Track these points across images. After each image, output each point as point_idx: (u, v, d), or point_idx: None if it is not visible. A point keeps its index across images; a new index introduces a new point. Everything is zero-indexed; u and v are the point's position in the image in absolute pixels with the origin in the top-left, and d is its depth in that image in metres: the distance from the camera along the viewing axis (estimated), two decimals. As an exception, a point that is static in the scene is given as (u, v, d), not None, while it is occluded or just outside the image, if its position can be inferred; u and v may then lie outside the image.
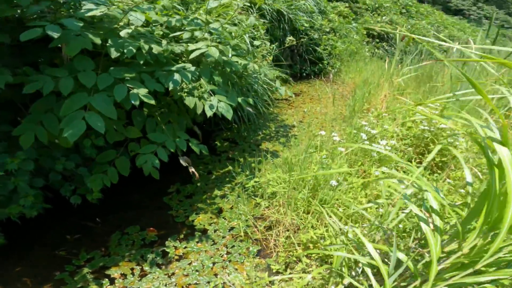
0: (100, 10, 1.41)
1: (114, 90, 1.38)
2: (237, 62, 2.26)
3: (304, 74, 5.41)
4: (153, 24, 1.92)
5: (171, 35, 1.87)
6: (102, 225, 1.77)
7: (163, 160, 1.63)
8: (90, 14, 1.39)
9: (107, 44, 1.44)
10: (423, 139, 2.00)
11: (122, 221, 1.80)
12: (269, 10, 4.45)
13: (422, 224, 0.84)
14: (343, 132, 2.38)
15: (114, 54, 1.41)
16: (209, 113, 1.58)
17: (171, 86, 1.52)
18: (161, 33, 1.93)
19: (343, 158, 1.80)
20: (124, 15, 1.49)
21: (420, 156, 2.08)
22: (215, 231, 1.75)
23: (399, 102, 2.86)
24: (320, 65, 5.47)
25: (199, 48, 1.69)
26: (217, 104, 1.62)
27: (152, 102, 1.42)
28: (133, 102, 1.37)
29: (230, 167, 2.34)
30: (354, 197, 1.63)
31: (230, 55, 2.26)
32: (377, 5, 9.37)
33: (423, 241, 1.17)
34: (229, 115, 1.64)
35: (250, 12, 4.05)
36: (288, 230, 1.68)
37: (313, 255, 1.51)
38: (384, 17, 8.89)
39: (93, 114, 1.34)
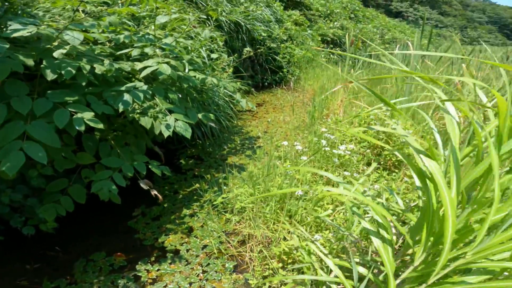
0: (28, 30, 1.28)
1: (54, 115, 1.26)
2: (194, 77, 2.22)
3: (266, 83, 5.49)
4: (98, 42, 1.81)
5: (119, 52, 1.78)
6: (64, 254, 1.64)
7: (121, 185, 1.52)
8: (17, 34, 1.26)
9: (42, 66, 1.31)
10: (379, 140, 2.11)
11: (85, 248, 1.68)
12: (227, 22, 4.47)
13: (373, 238, 0.84)
14: (305, 140, 2.43)
15: (50, 76, 1.28)
16: (166, 134, 1.50)
17: (121, 108, 1.43)
18: (109, 51, 1.83)
19: (306, 167, 1.83)
20: (58, 34, 1.38)
21: (378, 157, 2.19)
22: (187, 250, 1.69)
23: (354, 106, 3.01)
24: (281, 73, 5.60)
25: (149, 66, 1.61)
26: (174, 124, 1.55)
27: (100, 126, 1.32)
28: (77, 128, 1.26)
29: (197, 185, 2.27)
30: (320, 205, 1.66)
31: (186, 70, 2.21)
32: (328, 11, 9.93)
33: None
34: (187, 133, 1.58)
35: (207, 25, 4.03)
36: (261, 244, 1.66)
37: (289, 266, 1.50)
38: (335, 23, 9.44)
39: (32, 143, 1.21)
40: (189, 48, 2.71)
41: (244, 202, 1.79)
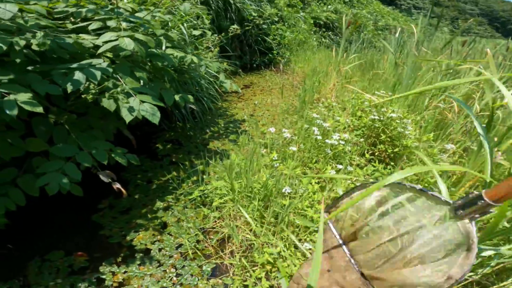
0: None
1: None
2: (172, 55, 1.95)
3: (254, 65, 5.23)
4: (54, 16, 1.53)
5: (74, 26, 1.50)
6: (17, 252, 1.45)
7: (76, 179, 1.28)
8: None
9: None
10: (374, 129, 1.93)
11: (41, 246, 1.49)
12: (214, -1, 4.13)
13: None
14: (295, 126, 2.22)
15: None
16: (128, 118, 1.26)
17: (69, 88, 1.16)
18: (71, 27, 1.55)
19: (295, 159, 1.62)
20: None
21: (373, 148, 2.02)
22: (160, 250, 1.50)
23: (347, 90, 2.81)
24: (270, 55, 5.33)
25: (110, 41, 1.34)
26: (139, 107, 1.30)
27: (39, 110, 1.07)
28: (8, 112, 1.01)
29: (174, 173, 2.05)
30: (311, 204, 1.46)
31: (163, 48, 1.95)
32: (323, -6, 9.50)
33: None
34: (155, 119, 1.34)
35: (193, 2, 3.69)
36: (241, 249, 1.49)
37: (272, 275, 1.33)
38: (329, 6, 9.09)
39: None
40: (169, 24, 2.41)
41: (224, 198, 1.58)
